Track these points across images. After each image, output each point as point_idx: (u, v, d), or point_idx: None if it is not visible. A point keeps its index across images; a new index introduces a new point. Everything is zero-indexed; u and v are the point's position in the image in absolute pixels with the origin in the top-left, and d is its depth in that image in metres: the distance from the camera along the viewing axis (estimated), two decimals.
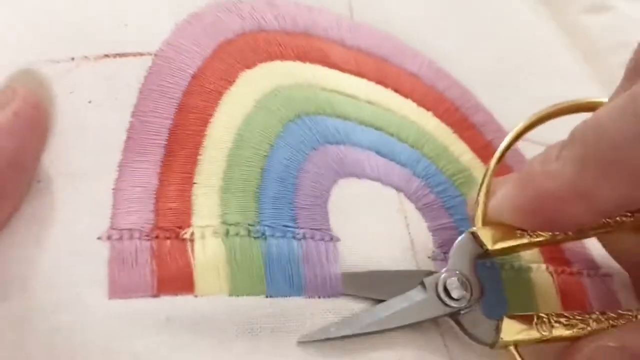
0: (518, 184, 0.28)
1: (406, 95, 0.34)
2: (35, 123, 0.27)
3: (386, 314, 0.27)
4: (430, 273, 0.29)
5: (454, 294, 0.28)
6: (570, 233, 0.30)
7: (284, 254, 0.28)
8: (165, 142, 0.28)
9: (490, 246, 0.29)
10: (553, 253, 0.33)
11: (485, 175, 0.30)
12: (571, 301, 0.32)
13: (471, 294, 0.28)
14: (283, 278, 0.27)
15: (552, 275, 0.32)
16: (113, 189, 0.27)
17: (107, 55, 0.29)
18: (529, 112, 0.37)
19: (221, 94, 0.30)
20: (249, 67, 0.31)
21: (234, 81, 0.30)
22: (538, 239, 0.29)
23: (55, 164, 0.27)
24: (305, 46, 0.33)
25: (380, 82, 0.34)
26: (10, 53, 0.28)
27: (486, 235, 0.29)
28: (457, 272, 0.28)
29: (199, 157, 0.29)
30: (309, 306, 0.27)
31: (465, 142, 0.34)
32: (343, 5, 0.36)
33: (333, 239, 0.29)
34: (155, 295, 0.26)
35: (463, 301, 0.28)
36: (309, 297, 0.27)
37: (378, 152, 0.32)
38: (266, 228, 0.28)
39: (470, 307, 0.28)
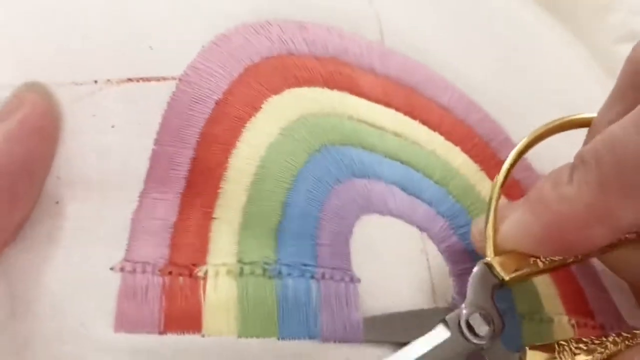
0: (531, 210, 0.28)
1: (434, 129, 0.33)
2: (43, 130, 0.26)
3: (411, 357, 0.27)
4: (449, 310, 0.28)
5: (479, 331, 0.27)
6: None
7: (300, 295, 0.27)
8: (187, 174, 0.28)
9: (506, 276, 0.28)
10: (577, 304, 0.32)
11: (490, 201, 0.30)
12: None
13: (494, 329, 0.27)
14: (298, 320, 0.27)
15: (573, 328, 0.31)
16: (132, 219, 0.27)
17: (130, 80, 0.29)
18: (558, 149, 0.36)
19: (245, 121, 0.29)
20: (275, 92, 0.30)
21: (259, 108, 0.30)
22: (552, 265, 0.29)
23: (74, 186, 0.27)
24: (334, 72, 0.33)
25: (408, 113, 0.33)
26: (33, 73, 0.28)
27: (501, 265, 0.28)
28: (478, 306, 0.28)
29: (219, 191, 0.28)
30: (325, 351, 0.27)
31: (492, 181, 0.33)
32: (374, 31, 0.35)
33: (354, 279, 0.28)
34: (162, 333, 0.25)
35: (487, 337, 0.27)
36: (324, 342, 0.27)
37: (403, 188, 0.31)
38: (283, 267, 0.27)
39: (493, 342, 0.27)
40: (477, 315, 0.27)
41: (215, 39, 0.30)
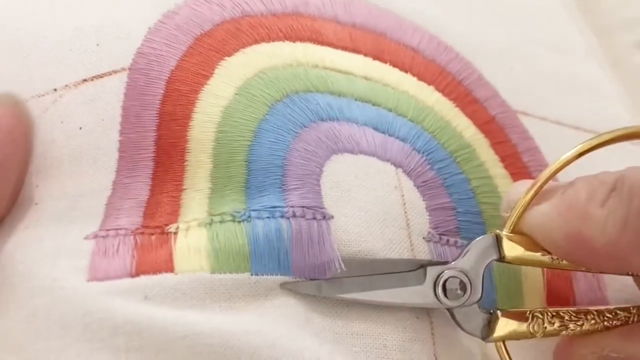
0: (560, 210, 0.27)
1: (405, 70, 0.33)
2: (15, 132, 0.27)
3: (378, 286, 0.27)
4: (435, 263, 0.28)
5: (450, 295, 0.27)
6: None
7: (270, 233, 0.27)
8: (154, 155, 0.28)
9: (508, 256, 0.28)
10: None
11: (535, 182, 0.28)
12: (556, 295, 0.31)
13: (468, 297, 0.27)
14: (269, 257, 0.27)
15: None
16: (105, 204, 0.27)
17: (85, 80, 0.29)
18: (533, 87, 0.36)
19: (197, 91, 0.29)
20: (229, 54, 0.30)
21: (211, 74, 0.29)
22: (558, 265, 0.28)
23: (51, 190, 0.28)
24: (294, 26, 0.32)
25: (377, 57, 0.33)
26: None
27: (510, 244, 0.28)
28: (463, 271, 0.27)
29: (185, 164, 0.28)
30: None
31: (468, 117, 0.33)
32: None
33: (326, 217, 0.28)
34: (134, 276, 0.26)
35: (457, 302, 0.27)
36: (296, 278, 0.27)
37: (375, 128, 0.30)
38: (252, 212, 0.27)
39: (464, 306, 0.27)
40: (455, 279, 0.27)
41: (162, 17, 0.30)
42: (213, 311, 0.25)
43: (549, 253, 0.27)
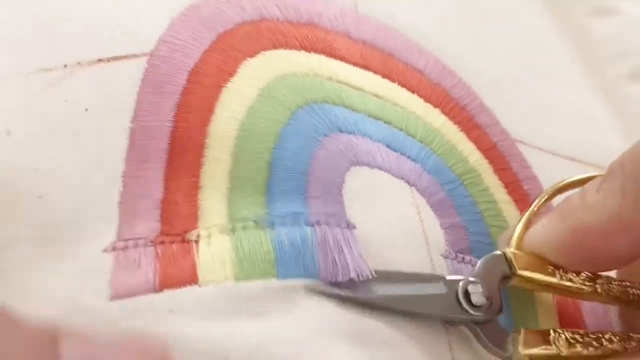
0: (557, 217, 0.28)
1: (412, 91, 0.33)
2: None
3: (402, 292, 0.27)
4: (454, 280, 0.28)
5: (474, 300, 0.27)
6: (598, 289, 0.29)
7: (295, 240, 0.26)
8: (168, 147, 0.27)
9: (518, 270, 0.28)
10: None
11: (531, 207, 0.30)
12: (567, 315, 0.31)
13: (490, 307, 0.27)
14: (295, 264, 0.26)
15: None
16: (119, 202, 0.26)
17: (100, 60, 0.28)
18: (530, 116, 0.36)
19: (221, 87, 0.28)
20: (250, 55, 0.30)
21: (235, 72, 0.29)
22: (566, 283, 0.28)
23: (54, 176, 0.26)
24: (309, 36, 0.32)
25: (386, 76, 0.33)
26: (4, 61, 0.27)
27: (517, 259, 0.28)
28: (482, 282, 0.28)
29: (202, 159, 0.27)
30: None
31: (473, 142, 0.33)
32: None
33: (349, 225, 0.28)
34: (158, 291, 0.25)
35: (481, 310, 0.27)
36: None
37: (388, 146, 0.31)
38: (276, 218, 0.27)
39: (489, 320, 0.27)
40: (478, 286, 0.27)
41: (185, 10, 0.30)
42: (240, 320, 0.25)
43: (557, 268, 0.28)
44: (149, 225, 0.26)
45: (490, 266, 0.28)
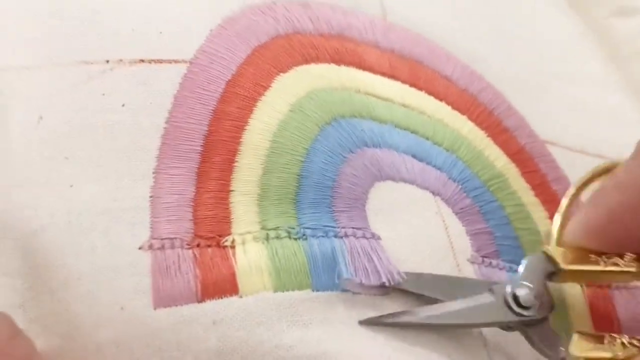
0: (591, 205, 0.28)
1: (440, 99, 0.34)
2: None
3: (449, 310, 0.27)
4: (495, 283, 0.28)
5: (524, 301, 0.27)
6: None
7: (327, 251, 0.28)
8: (201, 149, 0.28)
9: (563, 265, 0.28)
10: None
11: (566, 198, 0.30)
12: (600, 314, 0.32)
13: (540, 307, 0.27)
14: (328, 274, 0.27)
15: (582, 287, 0.32)
16: (150, 197, 0.27)
17: (142, 60, 0.29)
18: (558, 116, 0.37)
19: (256, 100, 0.30)
20: (283, 71, 0.31)
21: (269, 86, 0.30)
22: (612, 268, 0.28)
23: (85, 166, 0.27)
24: (339, 49, 0.33)
25: (414, 84, 0.34)
26: (45, 52, 0.28)
27: (560, 255, 0.28)
28: (528, 284, 0.28)
29: (234, 164, 0.29)
30: (355, 299, 0.27)
31: (499, 147, 0.34)
32: (376, 7, 0.36)
33: (375, 236, 0.29)
34: (201, 301, 0.26)
35: (532, 310, 0.27)
36: (355, 294, 0.27)
37: (414, 156, 0.32)
38: (306, 230, 0.28)
39: (540, 321, 0.27)
40: (524, 289, 0.27)
41: (223, 22, 0.31)
42: (280, 331, 0.26)
43: (599, 256, 0.28)
44: (181, 224, 0.27)
45: (534, 266, 0.28)
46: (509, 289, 0.27)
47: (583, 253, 0.28)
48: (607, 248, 0.28)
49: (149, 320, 0.25)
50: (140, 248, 0.26)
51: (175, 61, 0.29)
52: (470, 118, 0.34)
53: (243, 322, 0.26)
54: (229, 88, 0.30)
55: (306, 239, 0.28)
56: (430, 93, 0.34)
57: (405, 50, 0.35)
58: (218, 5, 0.32)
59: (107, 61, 0.29)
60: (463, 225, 0.31)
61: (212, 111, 0.29)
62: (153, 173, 0.27)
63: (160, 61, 0.29)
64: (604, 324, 0.32)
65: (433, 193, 0.31)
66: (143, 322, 0.25)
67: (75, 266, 0.25)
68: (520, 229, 0.32)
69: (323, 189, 0.29)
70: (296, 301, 0.27)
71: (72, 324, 0.25)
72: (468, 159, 0.33)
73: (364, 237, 0.28)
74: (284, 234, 0.28)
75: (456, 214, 0.31)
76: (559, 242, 0.29)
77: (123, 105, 0.28)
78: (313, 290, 0.27)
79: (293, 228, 0.28)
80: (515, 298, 0.27)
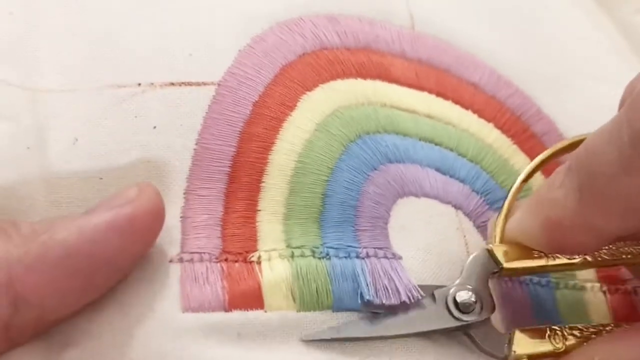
0: (529, 208, 0.29)
1: (467, 107, 0.35)
2: (149, 231, 0.27)
3: (394, 320, 0.28)
4: (440, 287, 0.29)
5: (463, 307, 0.28)
6: (589, 258, 0.30)
7: (348, 272, 0.29)
8: (229, 170, 0.30)
9: (504, 263, 0.29)
10: (609, 270, 0.33)
11: (507, 196, 0.31)
12: (623, 320, 0.32)
13: (481, 309, 0.28)
14: (349, 294, 0.28)
15: (605, 295, 0.32)
16: (181, 217, 0.29)
17: (172, 84, 0.30)
18: (587, 116, 0.37)
19: (282, 120, 0.31)
20: (309, 89, 0.32)
21: (295, 106, 0.31)
22: (555, 262, 0.29)
23: (119, 185, 0.28)
24: (366, 62, 0.34)
25: (440, 94, 0.35)
26: (80, 76, 0.30)
27: (502, 253, 0.29)
28: (469, 286, 0.29)
29: (261, 185, 0.30)
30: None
31: (526, 154, 0.34)
32: (404, 16, 0.37)
33: (395, 256, 0.30)
34: (227, 311, 0.27)
35: (473, 315, 0.28)
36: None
37: (438, 169, 0.32)
38: (330, 250, 0.29)
39: (482, 322, 0.28)
40: (465, 292, 0.28)
41: (251, 41, 0.32)
42: (300, 352, 0.27)
43: (542, 253, 0.29)
44: (210, 241, 0.28)
45: (476, 266, 0.29)
46: (449, 293, 0.28)
47: (526, 250, 0.29)
48: (545, 251, 0.29)
49: (177, 322, 0.26)
50: (170, 261, 0.28)
51: (204, 83, 0.31)
52: (496, 125, 0.35)
53: (265, 338, 0.27)
54: (256, 109, 0.31)
55: (329, 258, 0.29)
56: (456, 102, 0.35)
57: (432, 59, 0.36)
58: (247, 24, 0.33)
59: (139, 84, 0.30)
60: (484, 240, 0.32)
61: (239, 132, 0.30)
62: (184, 194, 0.29)
63: (189, 84, 0.31)
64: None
65: (455, 207, 0.32)
66: (171, 323, 0.26)
67: None
68: None
69: (346, 208, 0.30)
70: (318, 322, 0.28)
71: (104, 323, 0.26)
72: (492, 169, 0.33)
73: (385, 257, 0.30)
74: (308, 252, 0.29)
75: (477, 227, 0.32)
76: (502, 239, 0.29)
77: (154, 127, 0.30)
78: (333, 311, 0.28)
79: (317, 247, 0.29)
80: (456, 303, 0.28)
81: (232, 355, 0.26)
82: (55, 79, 0.30)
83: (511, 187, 0.31)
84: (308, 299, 0.28)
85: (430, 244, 0.31)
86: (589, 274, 0.33)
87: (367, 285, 0.28)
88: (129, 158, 0.29)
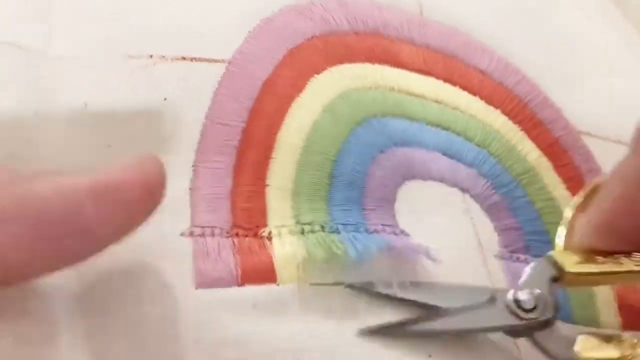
0: (595, 202, 0.28)
1: (474, 93, 0.35)
2: (136, 204, 0.25)
3: (451, 317, 0.28)
4: (497, 290, 0.28)
5: (525, 305, 0.27)
6: None
7: (359, 245, 0.29)
8: (238, 145, 0.30)
9: (567, 268, 0.28)
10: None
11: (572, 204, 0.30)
12: (629, 310, 0.32)
13: (543, 310, 0.27)
14: (360, 268, 0.28)
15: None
16: (190, 189, 0.29)
17: (184, 58, 0.31)
18: (595, 107, 0.37)
19: (291, 100, 0.31)
20: (317, 72, 0.32)
21: (303, 87, 0.32)
22: (618, 268, 0.28)
23: (126, 152, 0.27)
24: (374, 47, 0.34)
25: (448, 80, 0.35)
26: (94, 44, 0.30)
27: (565, 258, 0.28)
28: (531, 288, 0.28)
29: (270, 160, 0.30)
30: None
31: (533, 140, 0.35)
32: (413, 2, 0.37)
33: (403, 232, 0.30)
34: (240, 285, 0.27)
35: (535, 313, 0.27)
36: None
37: (444, 153, 0.33)
38: (339, 225, 0.29)
39: (545, 324, 0.27)
40: (526, 292, 0.27)
41: (261, 23, 0.33)
42: (314, 321, 0.27)
43: (606, 257, 0.28)
44: (220, 215, 0.29)
45: (538, 272, 0.28)
46: (510, 294, 0.28)
47: (589, 256, 0.28)
48: (615, 244, 0.28)
49: (191, 299, 0.27)
50: (181, 235, 0.28)
51: (215, 60, 0.31)
52: (503, 112, 0.35)
53: (279, 310, 0.27)
54: (265, 88, 0.31)
55: (339, 232, 0.29)
56: (464, 88, 0.35)
57: (440, 45, 0.36)
58: (259, 6, 0.33)
59: (151, 56, 0.31)
60: (492, 222, 0.32)
61: (249, 110, 0.31)
62: (192, 166, 0.29)
63: (200, 59, 0.31)
64: (634, 318, 0.32)
65: (462, 190, 0.32)
66: (185, 300, 0.26)
67: (120, 251, 0.26)
68: (550, 224, 0.33)
69: (354, 189, 0.30)
70: (331, 295, 0.28)
71: (117, 299, 0.26)
72: (499, 153, 0.34)
73: (393, 233, 0.30)
74: (317, 228, 0.29)
75: (485, 210, 0.32)
76: (566, 246, 0.29)
77: (165, 99, 0.30)
78: (345, 284, 0.28)
79: (326, 223, 0.29)
80: (517, 302, 0.27)
81: (249, 327, 0.27)
82: (68, 46, 0.30)
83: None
84: (320, 271, 0.28)
85: (436, 225, 0.31)
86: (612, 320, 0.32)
87: (377, 259, 0.29)
88: (138, 127, 0.29)
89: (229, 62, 0.31)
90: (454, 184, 0.32)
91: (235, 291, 0.27)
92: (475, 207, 0.32)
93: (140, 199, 0.24)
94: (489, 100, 0.35)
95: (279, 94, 0.31)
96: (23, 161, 0.27)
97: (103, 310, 0.26)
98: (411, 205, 0.31)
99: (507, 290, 0.28)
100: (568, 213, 0.30)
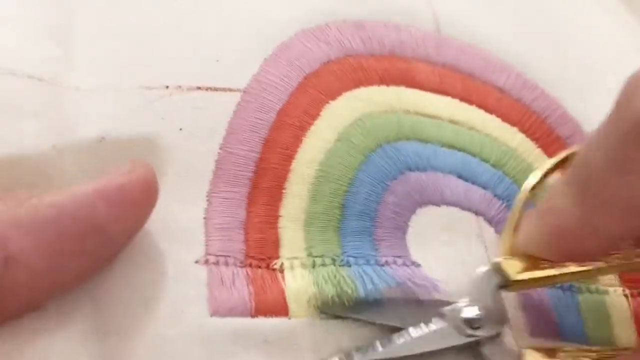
0: (535, 219, 0.29)
1: (491, 111, 0.35)
2: (140, 203, 0.27)
3: (405, 341, 0.28)
4: (449, 303, 0.29)
5: (473, 323, 0.28)
6: (601, 265, 0.29)
7: (369, 280, 0.29)
8: (252, 175, 0.30)
9: (513, 276, 0.29)
10: (632, 274, 0.33)
11: (514, 210, 0.31)
12: None
13: (491, 324, 0.28)
14: (369, 302, 0.29)
15: (627, 298, 0.32)
16: (204, 218, 0.29)
17: (199, 88, 0.32)
18: None
19: (305, 129, 0.32)
20: (333, 98, 0.33)
21: (318, 115, 0.32)
22: (565, 271, 0.29)
23: None
24: (389, 69, 0.35)
25: (464, 98, 0.35)
26: (110, 76, 0.31)
27: (510, 266, 0.29)
28: (478, 301, 0.29)
29: (283, 191, 0.31)
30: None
31: (550, 157, 0.34)
32: (430, 21, 0.37)
33: (414, 264, 0.30)
34: (253, 316, 0.28)
35: (483, 330, 0.28)
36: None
37: (459, 175, 0.33)
38: (350, 258, 0.30)
39: (493, 339, 0.28)
40: (474, 308, 0.28)
41: (277, 49, 0.33)
42: (327, 355, 0.28)
43: (551, 262, 0.29)
44: (234, 244, 0.29)
45: (483, 281, 0.29)
46: (458, 310, 0.28)
47: (534, 261, 0.29)
48: (554, 260, 0.29)
49: (205, 326, 0.27)
50: (196, 262, 0.28)
51: (230, 89, 0.32)
52: (521, 129, 0.35)
53: (291, 345, 0.28)
54: (280, 117, 0.32)
55: (350, 266, 0.30)
56: (481, 106, 0.35)
57: (457, 63, 0.36)
58: (274, 32, 0.34)
59: (167, 87, 0.31)
60: None
61: (263, 139, 0.31)
62: (207, 196, 0.30)
63: (215, 89, 0.32)
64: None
65: (476, 213, 0.32)
66: (199, 327, 0.27)
67: (137, 274, 0.27)
68: None
69: (366, 218, 0.31)
70: (342, 331, 0.28)
71: (133, 322, 0.27)
72: (515, 173, 0.34)
73: (404, 264, 0.30)
74: (329, 261, 0.30)
75: (498, 233, 0.32)
76: (510, 252, 0.29)
77: (180, 129, 0.30)
78: (353, 318, 0.28)
79: (338, 256, 0.30)
80: (465, 320, 0.28)
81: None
82: (85, 78, 0.31)
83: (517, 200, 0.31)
84: (330, 306, 0.28)
85: (448, 251, 0.31)
86: (612, 278, 0.33)
87: (385, 295, 0.29)
88: (155, 159, 0.29)
89: (244, 91, 0.32)
90: (468, 208, 0.32)
91: (247, 322, 0.28)
92: (488, 231, 0.32)
93: (143, 197, 0.27)
94: (506, 118, 0.35)
95: (293, 123, 0.32)
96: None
97: (118, 335, 0.27)
98: (423, 232, 0.31)
99: (455, 304, 0.28)
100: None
